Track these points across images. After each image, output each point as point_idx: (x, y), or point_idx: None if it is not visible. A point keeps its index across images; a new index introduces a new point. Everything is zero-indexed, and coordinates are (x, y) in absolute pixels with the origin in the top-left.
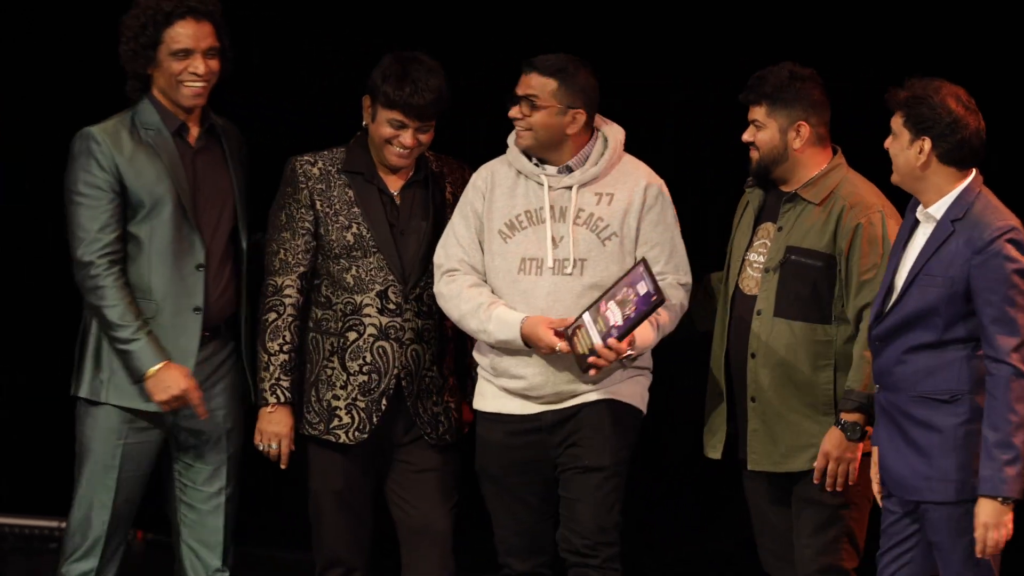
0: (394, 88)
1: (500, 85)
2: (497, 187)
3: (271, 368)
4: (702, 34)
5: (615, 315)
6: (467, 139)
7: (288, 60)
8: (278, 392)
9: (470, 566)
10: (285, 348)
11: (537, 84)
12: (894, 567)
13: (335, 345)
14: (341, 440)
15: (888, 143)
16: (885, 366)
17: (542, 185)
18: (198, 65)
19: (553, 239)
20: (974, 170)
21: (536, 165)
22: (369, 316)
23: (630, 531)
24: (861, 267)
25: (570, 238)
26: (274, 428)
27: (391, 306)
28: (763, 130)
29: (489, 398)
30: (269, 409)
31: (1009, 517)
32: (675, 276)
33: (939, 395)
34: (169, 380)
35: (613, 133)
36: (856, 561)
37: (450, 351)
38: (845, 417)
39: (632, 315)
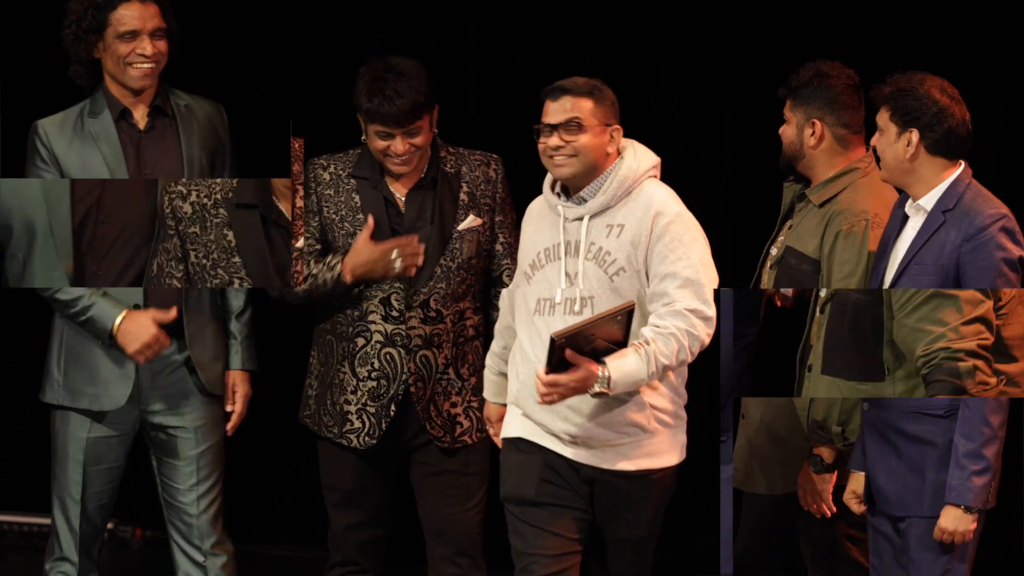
0: (368, 101)
1: (495, 84)
2: (528, 223)
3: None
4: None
5: None
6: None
7: (295, 63)
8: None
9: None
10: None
11: (576, 107)
12: None
13: (346, 350)
14: (353, 445)
15: (875, 140)
16: None
17: (559, 217)
18: (145, 46)
19: (567, 275)
20: (963, 162)
21: (558, 196)
22: (374, 323)
23: None
24: (836, 274)
25: (580, 274)
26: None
27: (394, 313)
28: (787, 125)
29: (514, 423)
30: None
31: (972, 526)
32: (684, 303)
33: (933, 410)
34: (135, 329)
35: (633, 158)
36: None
37: (472, 350)
38: (815, 450)
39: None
